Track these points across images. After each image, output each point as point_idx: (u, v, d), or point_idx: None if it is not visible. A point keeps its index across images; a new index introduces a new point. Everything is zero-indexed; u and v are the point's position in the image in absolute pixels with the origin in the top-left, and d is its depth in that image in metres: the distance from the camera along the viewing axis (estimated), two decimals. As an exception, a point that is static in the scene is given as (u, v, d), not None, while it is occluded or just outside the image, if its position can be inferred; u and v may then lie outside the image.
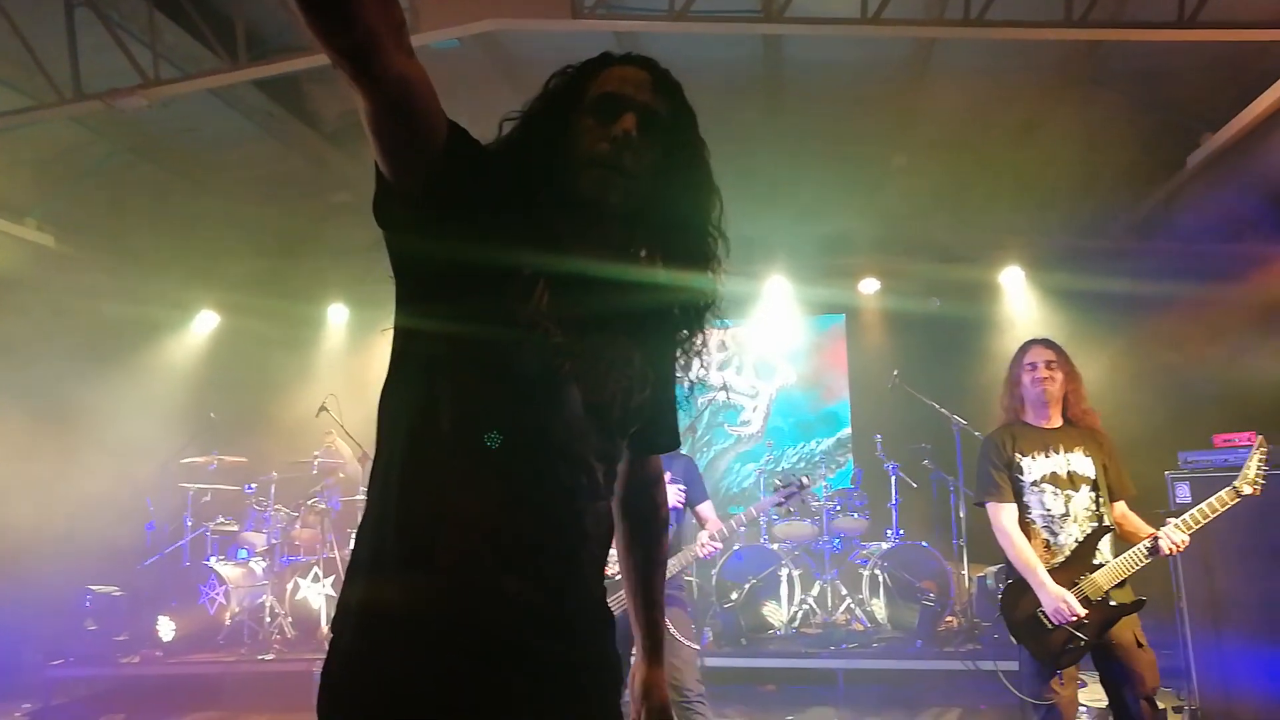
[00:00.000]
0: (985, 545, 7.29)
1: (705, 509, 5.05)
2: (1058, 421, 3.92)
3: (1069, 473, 3.79)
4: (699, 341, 1.77)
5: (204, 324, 9.91)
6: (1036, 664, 3.67)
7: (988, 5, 4.98)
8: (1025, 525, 3.80)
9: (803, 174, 7.83)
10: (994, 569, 6.92)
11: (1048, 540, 3.75)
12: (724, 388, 9.16)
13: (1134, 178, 7.76)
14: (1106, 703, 3.70)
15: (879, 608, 6.98)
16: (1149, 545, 3.63)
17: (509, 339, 1.50)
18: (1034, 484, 3.81)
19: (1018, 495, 3.83)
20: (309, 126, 7.43)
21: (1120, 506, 3.86)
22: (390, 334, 1.62)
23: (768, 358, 9.80)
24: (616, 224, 1.64)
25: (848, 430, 9.50)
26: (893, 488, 7.46)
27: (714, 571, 7.16)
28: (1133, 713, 3.53)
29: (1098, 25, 5.18)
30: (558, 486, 1.52)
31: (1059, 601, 3.58)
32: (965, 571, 7.04)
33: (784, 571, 7.06)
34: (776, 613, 7.00)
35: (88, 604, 7.46)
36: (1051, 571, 3.67)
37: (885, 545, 7.18)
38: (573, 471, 1.54)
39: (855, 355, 9.63)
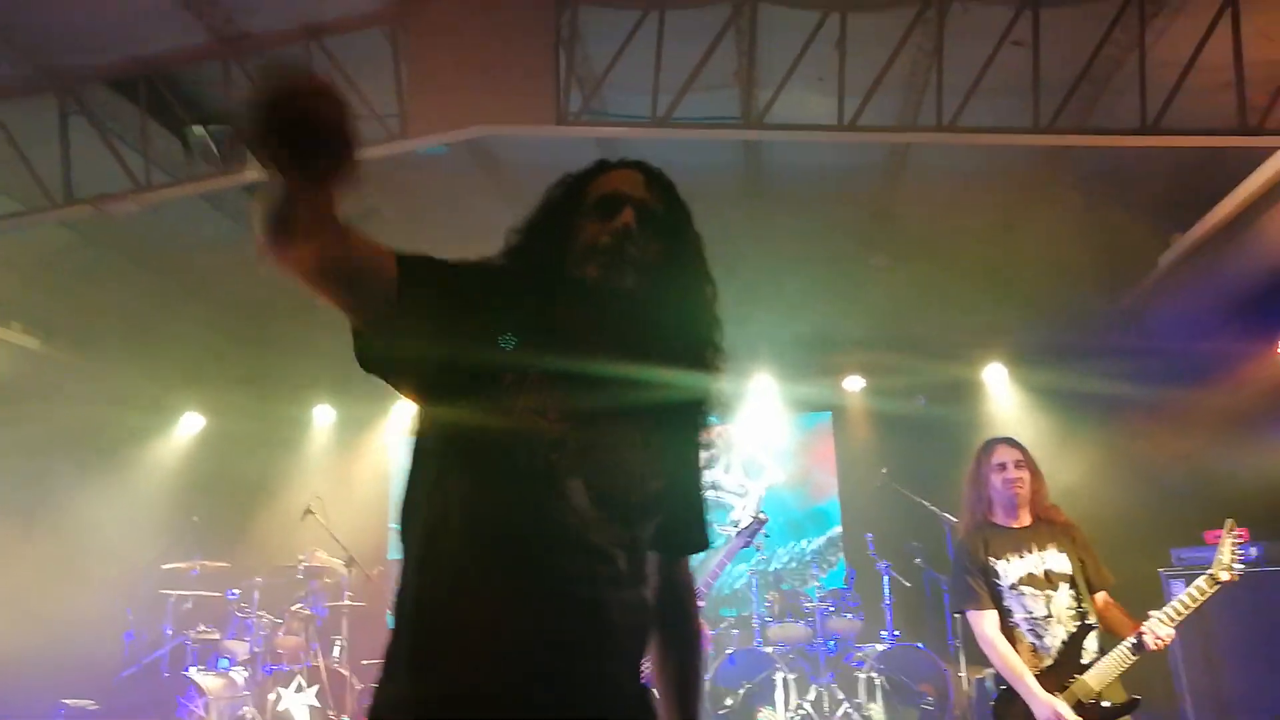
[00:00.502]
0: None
1: None
2: (1027, 520, 3.84)
3: (1045, 571, 3.71)
4: (714, 432, 1.78)
5: (189, 426, 9.85)
6: None
7: (959, 112, 5.15)
8: (1009, 630, 3.69)
9: (785, 274, 7.95)
10: (992, 671, 6.76)
11: (1034, 644, 3.65)
12: (713, 486, 9.12)
13: (1110, 276, 7.91)
14: None
15: (877, 712, 6.80)
16: (1134, 641, 3.53)
17: (504, 436, 1.51)
18: (1012, 587, 3.71)
19: (997, 600, 3.73)
20: (298, 230, 7.53)
21: (1101, 597, 3.77)
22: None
23: (755, 456, 9.77)
24: (621, 315, 1.65)
25: (838, 529, 9.41)
26: (885, 587, 7.36)
27: (708, 677, 6.98)
28: None
29: (1064, 131, 5.36)
30: (572, 577, 1.49)
31: (1050, 710, 3.47)
32: (963, 673, 6.88)
33: (779, 675, 6.89)
34: (773, 718, 6.82)
35: (61, 718, 7.20)
36: (1040, 676, 3.57)
37: (880, 647, 7.04)
38: (589, 561, 1.51)
39: (843, 453, 9.61)
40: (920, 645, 6.94)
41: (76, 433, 8.71)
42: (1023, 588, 3.69)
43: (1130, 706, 3.54)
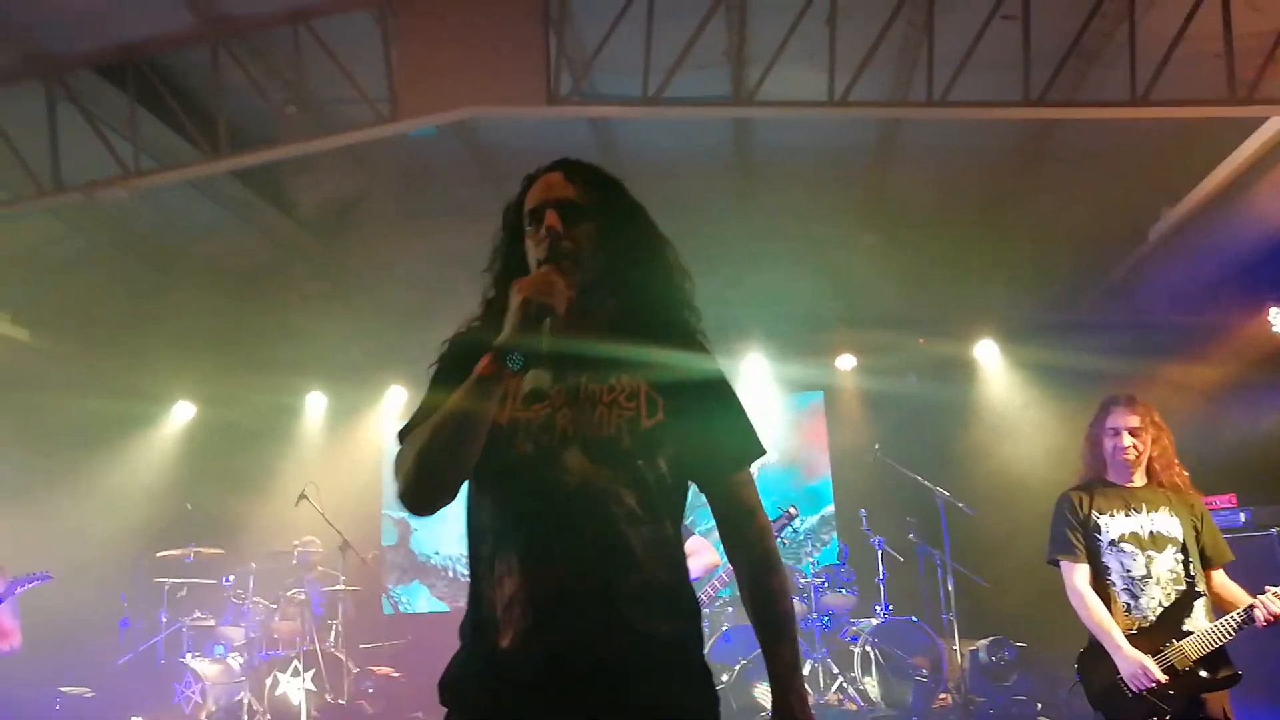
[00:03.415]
0: (975, 619, 7.30)
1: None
2: (1141, 481, 3.68)
3: (1151, 533, 3.55)
4: (704, 355, 1.91)
5: (180, 415, 9.82)
6: None
7: (950, 86, 5.15)
8: (1103, 588, 3.57)
9: (776, 254, 7.96)
10: (985, 642, 6.85)
11: (1127, 604, 3.53)
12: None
13: (1099, 251, 7.94)
14: None
15: (871, 686, 6.87)
16: (1242, 615, 3.36)
17: (501, 441, 1.75)
18: (1112, 543, 3.58)
19: (1095, 555, 3.61)
20: (287, 216, 7.50)
21: (1219, 576, 3.61)
22: None
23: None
24: (583, 300, 1.82)
25: (830, 507, 9.46)
26: (879, 562, 7.42)
27: (704, 653, 7.03)
28: None
29: (1054, 104, 5.36)
30: (581, 523, 1.70)
31: (1136, 667, 3.36)
32: (956, 646, 6.96)
33: (773, 651, 6.94)
34: (768, 694, 6.86)
35: (57, 707, 7.20)
36: (1133, 637, 3.45)
37: (875, 621, 7.11)
38: (597, 503, 1.71)
39: (835, 432, 9.65)
40: (914, 619, 7.01)
41: (68, 423, 8.68)
42: (1123, 545, 3.57)
43: (1229, 681, 3.39)
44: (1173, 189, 6.75)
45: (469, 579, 1.83)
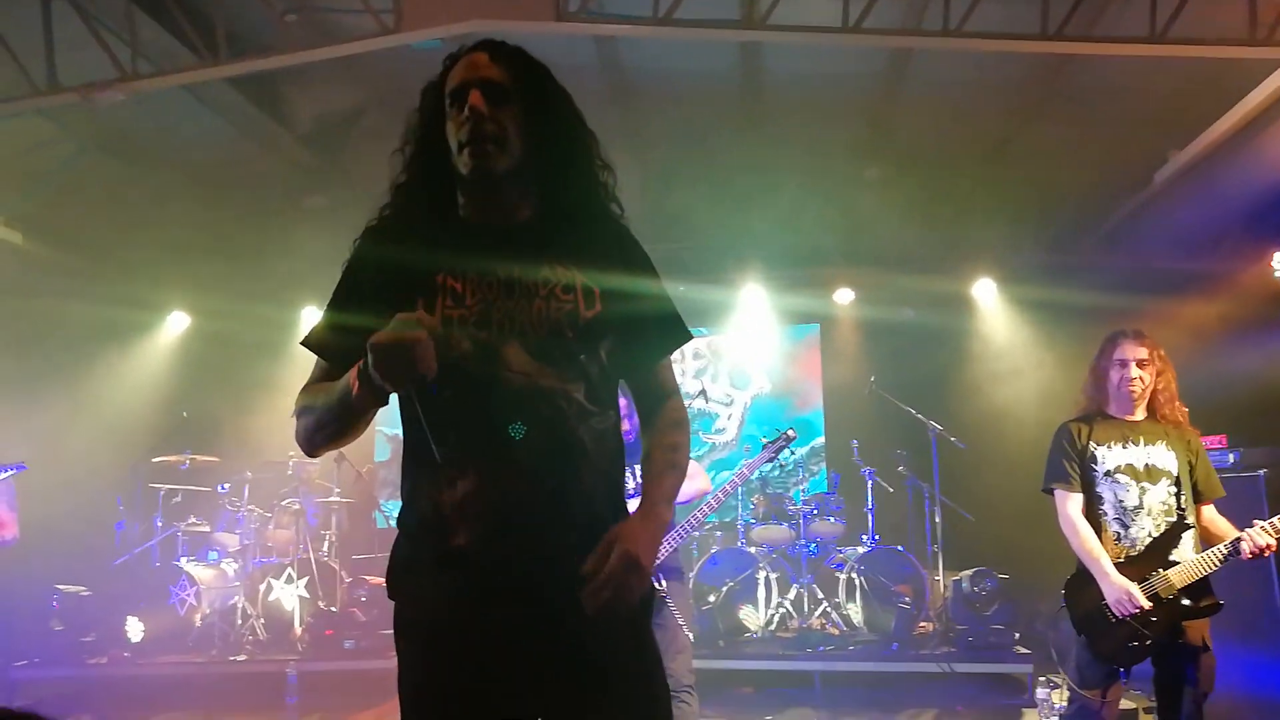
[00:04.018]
0: (960, 551, 7.44)
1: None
2: (1142, 415, 3.74)
3: (1147, 465, 3.63)
4: (633, 244, 1.90)
5: (175, 325, 9.81)
6: (1094, 658, 3.57)
7: (966, 16, 5.05)
8: (1095, 518, 3.65)
9: (778, 184, 7.88)
10: (968, 573, 6.98)
11: (1117, 533, 3.61)
12: (702, 394, 9.19)
13: (1103, 193, 7.88)
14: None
15: (855, 611, 7.03)
16: (1229, 547, 3.43)
17: (437, 340, 1.63)
18: (1108, 474, 3.65)
19: (1090, 485, 3.68)
20: (284, 128, 7.38)
21: (1209, 510, 3.70)
22: None
23: (743, 366, 9.84)
24: (507, 186, 1.80)
25: (820, 439, 9.55)
26: (869, 493, 7.52)
27: (691, 574, 7.17)
28: (1183, 715, 3.43)
29: (1072, 39, 5.27)
30: (536, 424, 1.69)
31: (1122, 593, 3.44)
32: (940, 576, 7.11)
33: (761, 574, 7.09)
34: (753, 616, 7.03)
35: (54, 604, 7.35)
36: (1120, 565, 3.53)
37: (861, 550, 7.24)
38: (547, 402, 1.71)
39: (830, 364, 9.69)
40: (900, 549, 7.13)
41: (62, 328, 8.67)
42: (1118, 475, 3.65)
43: (1211, 609, 3.47)
44: (1181, 133, 6.68)
45: (407, 470, 1.80)
